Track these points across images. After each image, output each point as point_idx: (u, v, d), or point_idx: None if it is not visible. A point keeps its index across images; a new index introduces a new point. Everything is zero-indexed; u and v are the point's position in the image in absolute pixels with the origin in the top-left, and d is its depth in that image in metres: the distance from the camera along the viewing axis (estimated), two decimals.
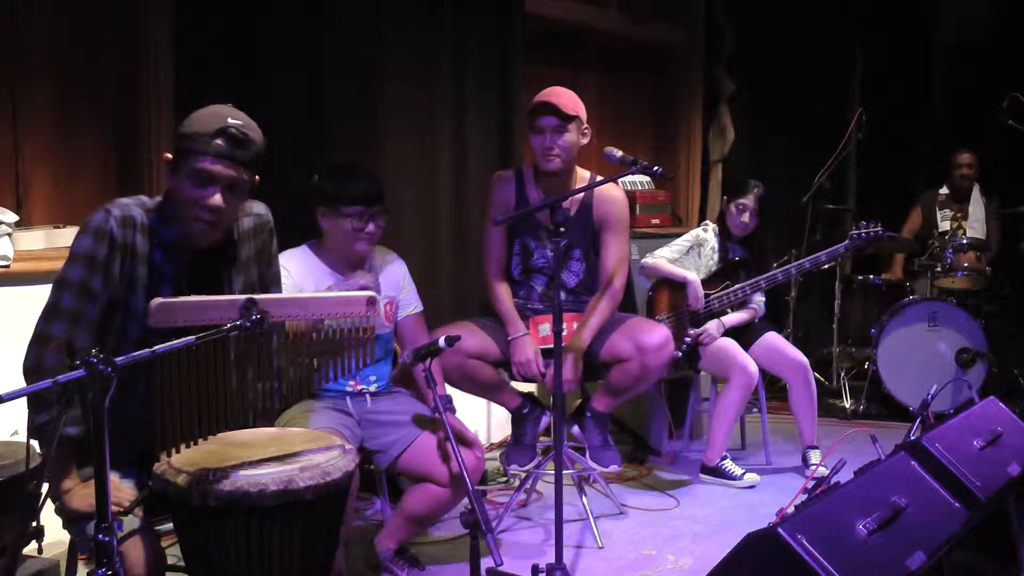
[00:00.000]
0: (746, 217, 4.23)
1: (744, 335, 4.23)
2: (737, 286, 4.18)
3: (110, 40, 3.36)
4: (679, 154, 5.92)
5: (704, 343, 4.11)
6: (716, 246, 4.33)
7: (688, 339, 4.11)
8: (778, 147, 6.19)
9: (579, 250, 3.44)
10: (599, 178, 3.29)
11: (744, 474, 4.08)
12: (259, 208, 2.31)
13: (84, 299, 2.02)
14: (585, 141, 3.35)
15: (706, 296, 4.16)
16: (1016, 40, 6.52)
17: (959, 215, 5.75)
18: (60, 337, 1.99)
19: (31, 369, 2.03)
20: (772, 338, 4.26)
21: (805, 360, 4.19)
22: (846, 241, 4.20)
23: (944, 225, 5.76)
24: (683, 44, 5.84)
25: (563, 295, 3.28)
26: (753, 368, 4.04)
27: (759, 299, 4.30)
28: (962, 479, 2.25)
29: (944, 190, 5.87)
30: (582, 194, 3.34)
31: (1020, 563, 2.43)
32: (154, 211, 2.11)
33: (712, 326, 4.12)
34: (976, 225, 5.70)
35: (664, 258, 4.26)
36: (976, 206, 5.75)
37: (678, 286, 4.20)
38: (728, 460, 4.12)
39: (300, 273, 2.87)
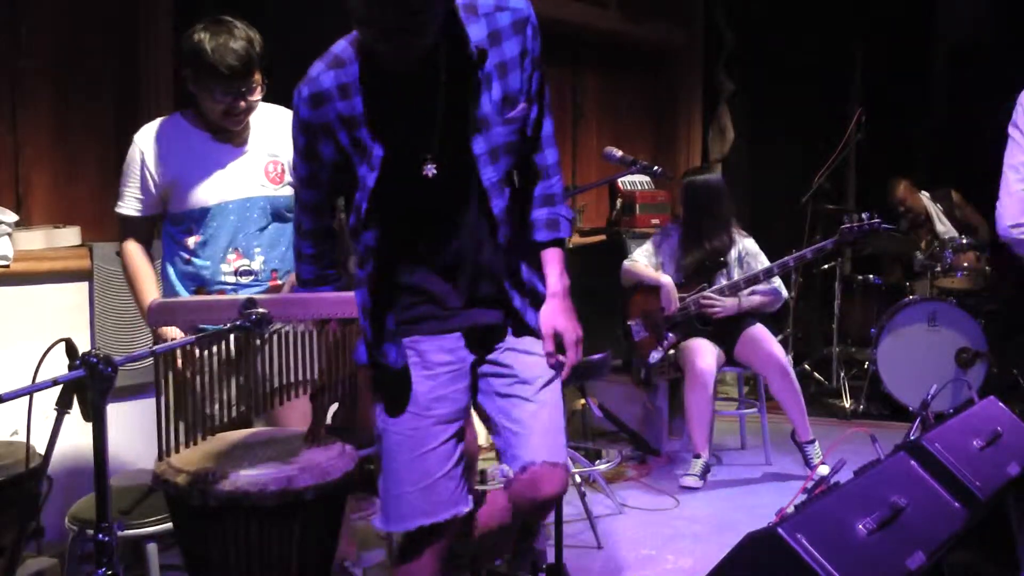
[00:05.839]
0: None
1: (732, 328, 4.16)
2: (713, 287, 4.12)
3: (110, 40, 3.36)
4: (679, 154, 5.92)
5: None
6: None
7: (659, 353, 4.11)
8: (778, 147, 6.19)
9: None
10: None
11: (701, 475, 4.04)
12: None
13: None
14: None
15: (681, 299, 4.13)
16: (1016, 40, 6.52)
17: (930, 236, 5.70)
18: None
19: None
20: (756, 330, 4.16)
21: (783, 357, 4.11)
22: (834, 236, 4.12)
23: (940, 228, 5.75)
24: (683, 44, 5.84)
25: None
26: (703, 365, 3.99)
27: (776, 283, 4.17)
28: (962, 479, 2.25)
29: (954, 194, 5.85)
30: None
31: (1019, 563, 2.43)
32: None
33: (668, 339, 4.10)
34: (943, 229, 5.69)
35: (640, 261, 4.24)
36: (937, 221, 5.74)
37: (652, 289, 4.17)
38: (701, 460, 4.07)
39: (169, 146, 2.63)
